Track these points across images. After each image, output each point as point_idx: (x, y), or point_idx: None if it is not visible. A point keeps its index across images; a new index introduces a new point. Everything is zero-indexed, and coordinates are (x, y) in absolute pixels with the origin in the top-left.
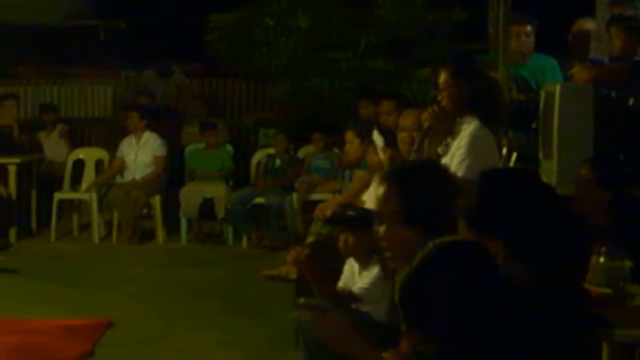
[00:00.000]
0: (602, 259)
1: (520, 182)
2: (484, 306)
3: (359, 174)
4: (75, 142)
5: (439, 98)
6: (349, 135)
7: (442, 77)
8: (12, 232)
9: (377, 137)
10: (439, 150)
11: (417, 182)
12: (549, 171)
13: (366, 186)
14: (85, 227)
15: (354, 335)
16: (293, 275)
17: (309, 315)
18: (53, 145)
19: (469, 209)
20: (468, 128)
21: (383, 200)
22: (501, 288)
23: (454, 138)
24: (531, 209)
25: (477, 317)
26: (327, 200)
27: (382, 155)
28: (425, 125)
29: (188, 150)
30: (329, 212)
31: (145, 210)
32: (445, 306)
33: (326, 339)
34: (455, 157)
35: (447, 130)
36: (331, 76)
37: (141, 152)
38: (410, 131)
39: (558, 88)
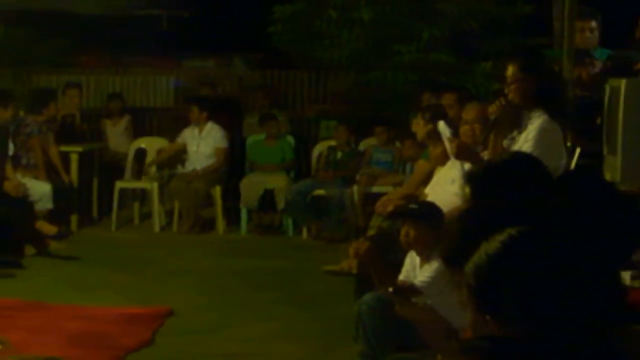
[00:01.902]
0: None
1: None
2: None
3: (420, 163)
4: (137, 131)
5: (507, 91)
6: (418, 117)
7: (510, 70)
8: (74, 220)
9: (443, 128)
10: (505, 143)
11: (487, 185)
12: (613, 167)
13: (427, 178)
14: (146, 216)
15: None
16: (355, 270)
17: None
18: (118, 135)
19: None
20: (536, 121)
21: (464, 201)
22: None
23: (520, 131)
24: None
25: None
26: (388, 193)
27: (448, 146)
28: (492, 118)
29: (249, 141)
30: (390, 207)
31: (205, 201)
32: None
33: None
34: (522, 149)
35: (513, 123)
36: (394, 69)
37: (203, 143)
38: (472, 124)
39: (623, 83)
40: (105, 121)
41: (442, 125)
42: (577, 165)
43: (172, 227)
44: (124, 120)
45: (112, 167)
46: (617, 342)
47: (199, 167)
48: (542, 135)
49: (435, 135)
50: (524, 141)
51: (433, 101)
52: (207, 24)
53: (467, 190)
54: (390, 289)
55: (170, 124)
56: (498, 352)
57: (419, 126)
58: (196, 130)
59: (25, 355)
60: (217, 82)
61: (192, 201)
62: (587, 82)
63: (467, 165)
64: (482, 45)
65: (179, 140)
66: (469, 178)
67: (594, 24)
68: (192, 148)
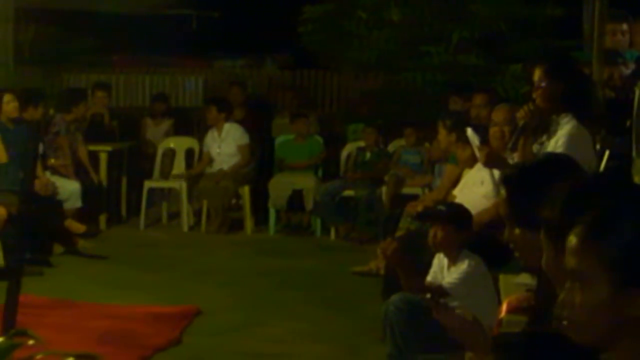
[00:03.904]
0: None
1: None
2: None
3: (450, 167)
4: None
5: (534, 96)
6: (439, 125)
7: (537, 74)
8: (102, 219)
9: (472, 135)
10: (534, 148)
11: (524, 186)
12: None
13: (456, 181)
14: (175, 215)
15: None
16: (383, 271)
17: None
18: (158, 135)
19: (552, 220)
20: (565, 127)
21: (500, 204)
22: None
23: (549, 136)
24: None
25: None
26: (420, 198)
27: (478, 154)
28: (520, 123)
29: (278, 141)
30: (419, 208)
31: (234, 201)
32: None
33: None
34: None
35: (542, 128)
36: (423, 70)
37: (224, 144)
38: (501, 126)
39: None
40: (147, 120)
41: (470, 132)
42: (606, 167)
43: (201, 227)
44: (167, 123)
45: (145, 164)
46: None
47: (225, 167)
48: (571, 141)
49: (463, 138)
50: (554, 147)
51: (459, 104)
52: (237, 24)
53: (503, 192)
54: (428, 295)
55: (199, 124)
56: (534, 346)
57: (442, 135)
58: (215, 133)
59: (56, 351)
60: (247, 82)
61: (220, 200)
62: (619, 84)
63: (497, 172)
64: (511, 48)
65: (204, 149)
66: (505, 180)
67: (625, 26)
68: (215, 150)
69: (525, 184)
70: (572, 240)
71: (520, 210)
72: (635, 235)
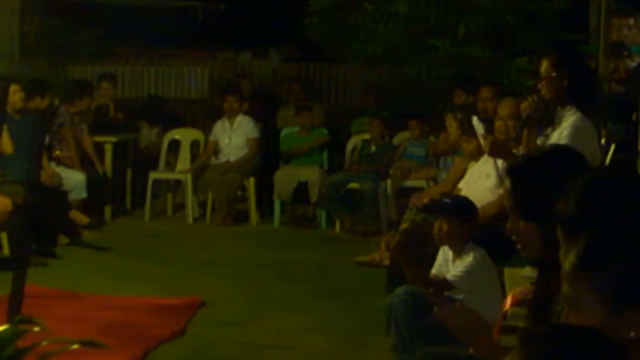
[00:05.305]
0: None
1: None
2: None
3: (457, 160)
4: (172, 123)
5: (539, 87)
6: (448, 118)
7: (544, 66)
8: (107, 211)
9: (477, 124)
10: (538, 140)
11: (529, 178)
12: None
13: (463, 174)
14: (180, 207)
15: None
16: (386, 261)
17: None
18: (151, 136)
19: (565, 216)
20: (569, 119)
21: (504, 195)
22: None
23: (554, 128)
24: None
25: None
26: (426, 189)
27: (482, 142)
28: (524, 114)
29: (283, 133)
30: (425, 199)
31: (239, 193)
32: None
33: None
34: None
35: (547, 120)
36: (429, 63)
37: (235, 136)
38: (506, 120)
39: None
40: (142, 122)
41: (475, 121)
42: (611, 161)
43: (206, 219)
44: (157, 130)
45: (146, 157)
46: None
47: (232, 159)
48: (576, 133)
49: (469, 130)
50: (558, 139)
51: (463, 97)
52: (242, 16)
53: (507, 183)
54: (431, 291)
55: (204, 115)
56: (565, 341)
57: (452, 128)
58: (227, 123)
59: (61, 338)
60: (253, 74)
61: (225, 192)
62: (624, 76)
63: (500, 162)
64: (517, 41)
65: (211, 138)
66: (510, 171)
67: (632, 21)
68: (224, 141)
69: (530, 176)
70: (566, 267)
71: (524, 201)
72: (630, 266)
